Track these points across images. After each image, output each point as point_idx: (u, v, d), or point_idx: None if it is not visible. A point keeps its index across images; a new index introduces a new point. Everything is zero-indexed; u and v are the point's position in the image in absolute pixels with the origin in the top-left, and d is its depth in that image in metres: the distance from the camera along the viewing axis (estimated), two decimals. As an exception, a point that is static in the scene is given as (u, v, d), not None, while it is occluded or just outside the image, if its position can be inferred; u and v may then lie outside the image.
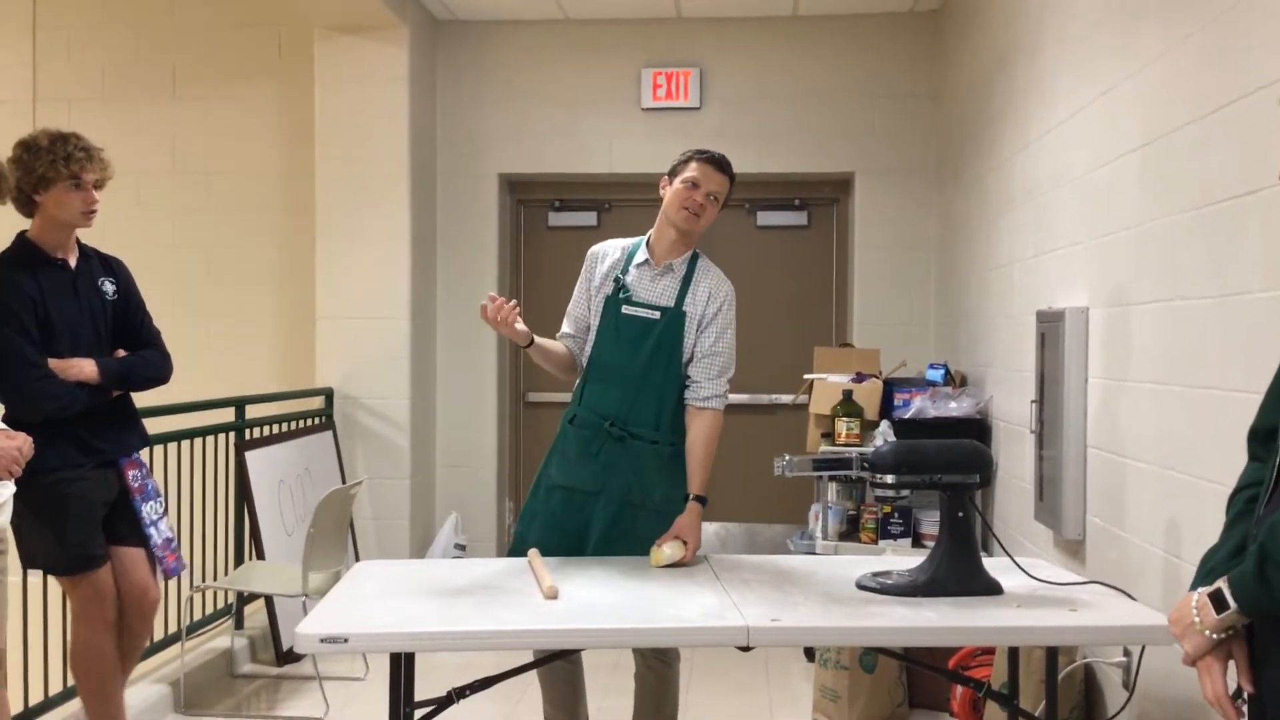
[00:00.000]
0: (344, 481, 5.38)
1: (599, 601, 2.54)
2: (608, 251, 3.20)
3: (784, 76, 5.82)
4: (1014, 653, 3.15)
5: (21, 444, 2.73)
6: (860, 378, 4.83)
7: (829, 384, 4.80)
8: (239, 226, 5.96)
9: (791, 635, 2.42)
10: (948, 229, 5.55)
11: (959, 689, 3.63)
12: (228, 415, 4.70)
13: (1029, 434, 3.81)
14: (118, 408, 3.29)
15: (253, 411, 4.86)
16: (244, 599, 4.65)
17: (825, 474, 2.77)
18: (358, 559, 5.34)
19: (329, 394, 5.48)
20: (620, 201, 6.10)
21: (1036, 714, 2.87)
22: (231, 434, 4.65)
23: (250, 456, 4.56)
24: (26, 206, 3.13)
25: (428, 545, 5.62)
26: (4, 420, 2.96)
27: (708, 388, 3.05)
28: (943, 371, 4.88)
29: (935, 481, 2.73)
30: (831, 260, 6.09)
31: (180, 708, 4.00)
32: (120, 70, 6.00)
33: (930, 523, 4.61)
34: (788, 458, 2.70)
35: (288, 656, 4.47)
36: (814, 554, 4.51)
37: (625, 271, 3.12)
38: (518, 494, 6.22)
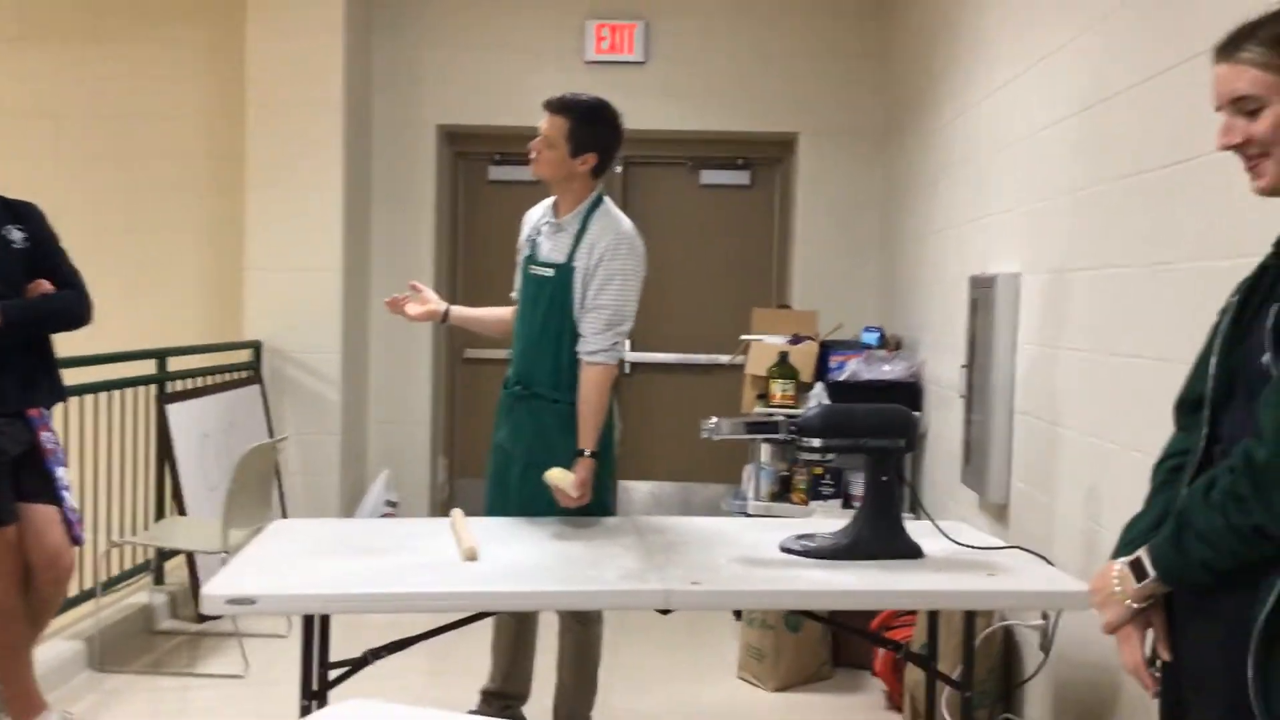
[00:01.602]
0: (271, 436, 5.27)
1: (519, 563, 2.50)
2: (533, 214, 3.21)
3: (729, 33, 5.73)
4: (933, 615, 3.18)
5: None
6: (796, 339, 4.81)
7: (765, 345, 4.77)
8: (164, 173, 5.78)
9: (710, 599, 2.40)
10: (892, 191, 5.53)
11: (881, 650, 3.66)
12: (150, 368, 4.57)
13: (958, 398, 3.82)
14: (32, 358, 3.17)
15: (177, 364, 4.73)
16: (164, 555, 4.54)
17: (753, 437, 2.73)
18: (285, 516, 5.26)
19: (257, 347, 5.35)
20: (561, 156, 5.98)
21: (954, 675, 2.89)
22: (153, 386, 4.52)
23: (172, 409, 4.44)
24: None
25: (358, 502, 5.53)
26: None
27: (593, 342, 2.96)
28: (878, 335, 4.88)
29: (861, 445, 2.72)
30: (774, 221, 6.05)
31: (95, 664, 3.91)
32: (40, 8, 5.75)
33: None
34: (715, 420, 2.66)
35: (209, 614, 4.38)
36: (746, 515, 4.51)
37: (539, 232, 3.10)
38: (452, 451, 6.15)
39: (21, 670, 3.16)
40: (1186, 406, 1.74)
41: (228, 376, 5.07)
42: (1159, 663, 1.72)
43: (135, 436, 4.46)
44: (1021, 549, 2.73)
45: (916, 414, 4.43)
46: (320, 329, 5.38)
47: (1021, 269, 3.40)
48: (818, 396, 4.58)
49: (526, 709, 3.26)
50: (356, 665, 2.61)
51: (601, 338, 2.96)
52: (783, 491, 4.76)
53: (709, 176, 6.02)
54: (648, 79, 5.73)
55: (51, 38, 5.74)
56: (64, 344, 3.42)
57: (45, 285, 3.14)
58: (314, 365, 5.40)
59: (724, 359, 5.71)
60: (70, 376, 3.98)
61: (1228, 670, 1.50)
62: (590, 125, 2.97)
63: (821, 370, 4.76)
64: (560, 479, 2.85)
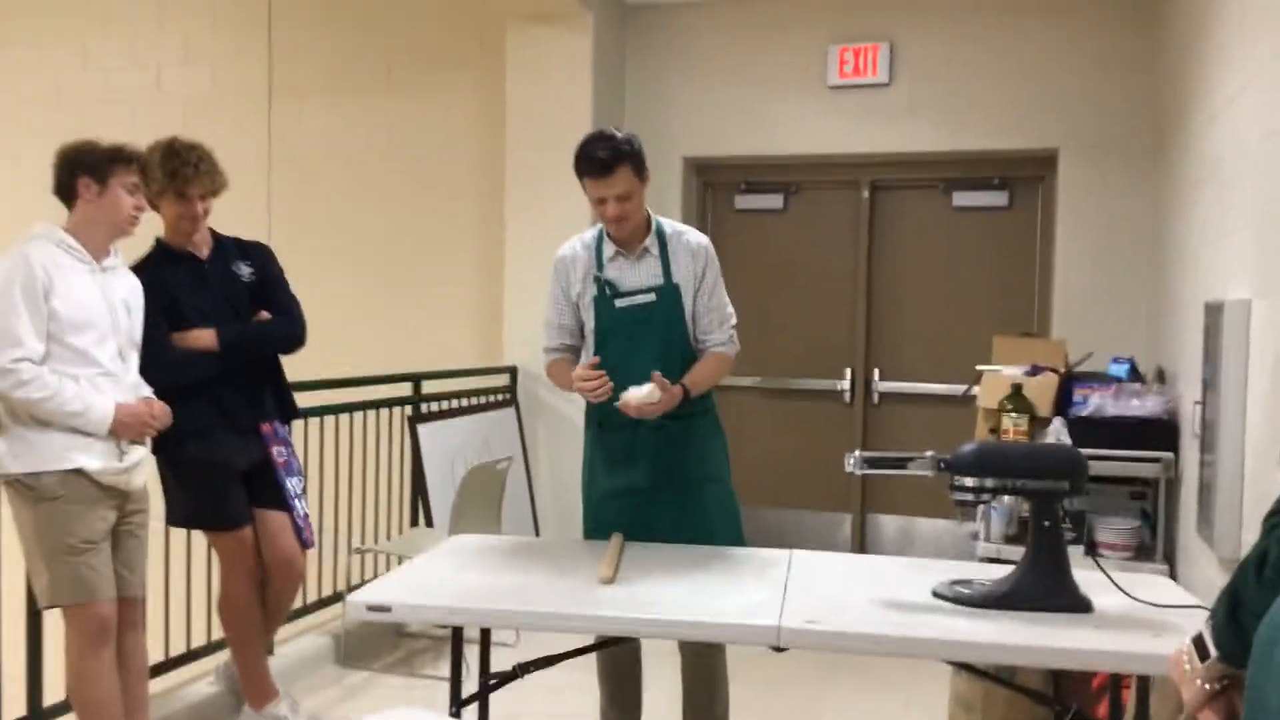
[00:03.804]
0: (525, 456, 5.60)
1: (647, 590, 2.53)
2: (574, 254, 3.10)
3: (979, 48, 5.48)
4: (1143, 680, 2.88)
5: (156, 411, 3.03)
6: (1035, 370, 4.50)
7: (999, 377, 4.51)
8: (439, 210, 6.29)
9: (824, 639, 2.31)
10: (1158, 211, 5.07)
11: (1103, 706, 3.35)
12: (407, 390, 5.00)
13: (1193, 437, 3.45)
14: (262, 375, 3.56)
15: (435, 386, 5.14)
16: (416, 563, 4.94)
17: (893, 472, 2.61)
18: (537, 532, 5.56)
19: (513, 371, 5.70)
20: (807, 183, 5.97)
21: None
22: (407, 407, 4.93)
23: (424, 429, 4.83)
24: (157, 210, 3.42)
25: (604, 522, 5.74)
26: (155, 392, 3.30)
27: (719, 335, 3.08)
28: (1127, 366, 4.47)
29: (1019, 487, 2.54)
30: (1035, 243, 5.70)
31: (340, 660, 4.32)
32: (342, 63, 6.45)
33: (1108, 530, 4.26)
34: (858, 453, 2.58)
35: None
36: (973, 557, 4.28)
37: (601, 268, 3.05)
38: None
39: (255, 660, 3.57)
40: None
41: (484, 399, 5.44)
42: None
43: (391, 453, 4.88)
44: (1206, 609, 2.43)
45: (1168, 455, 4.06)
46: (569, 356, 5.64)
47: (1251, 294, 3.03)
48: (1056, 433, 4.27)
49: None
50: (506, 678, 2.75)
51: (724, 331, 3.09)
52: (1021, 533, 4.46)
53: (962, 198, 5.76)
54: (893, 100, 5.60)
55: (352, 89, 6.41)
56: (336, 365, 3.83)
57: (264, 315, 3.54)
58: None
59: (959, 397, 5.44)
60: (338, 395, 4.48)
61: None
62: (636, 152, 2.96)
63: (1063, 404, 4.42)
64: (643, 395, 2.81)
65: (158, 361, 3.27)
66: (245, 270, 3.54)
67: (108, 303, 2.98)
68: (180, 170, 3.33)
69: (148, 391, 3.13)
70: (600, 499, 3.10)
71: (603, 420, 3.09)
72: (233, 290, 3.50)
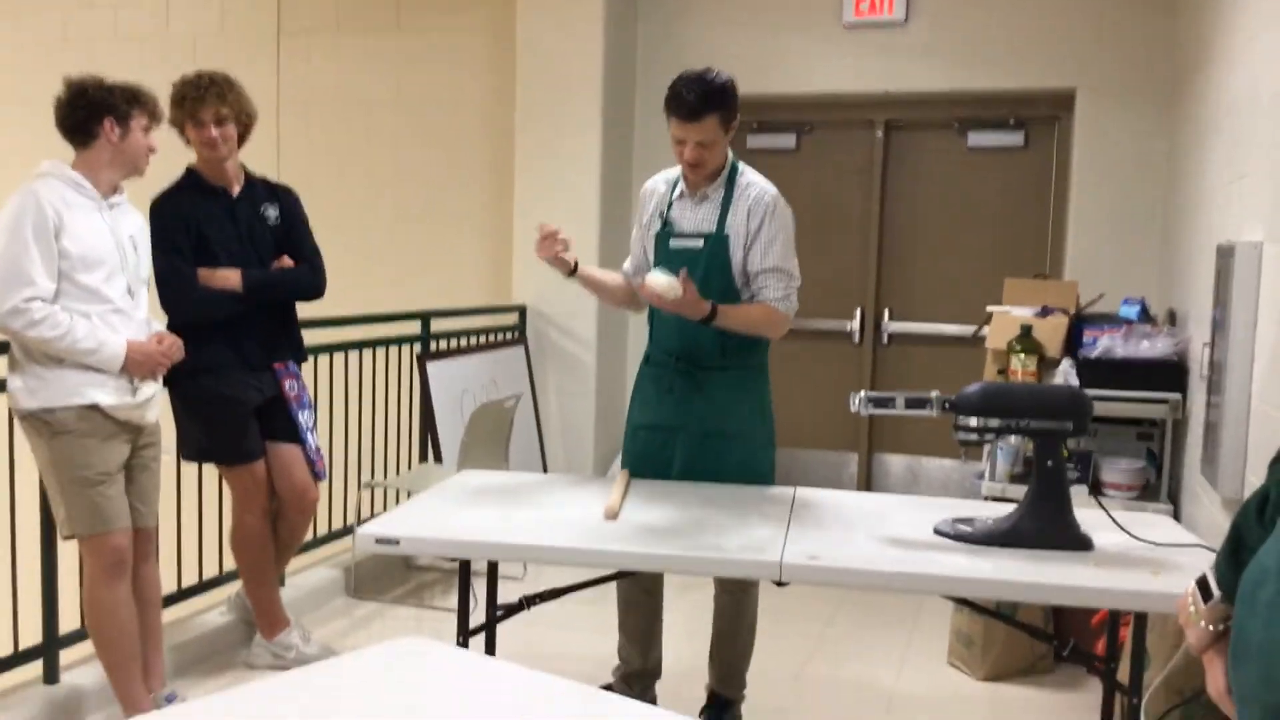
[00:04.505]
0: (534, 394, 5.63)
1: (652, 526, 2.56)
2: (655, 188, 3.14)
3: (998, -13, 5.39)
4: (1140, 616, 2.91)
5: (167, 348, 3.05)
6: (1045, 311, 4.49)
7: (1008, 317, 4.50)
8: (451, 152, 6.25)
9: (826, 575, 2.34)
10: (1174, 153, 5.01)
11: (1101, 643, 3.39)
12: (416, 328, 5.01)
13: (1200, 379, 3.44)
14: (277, 318, 3.59)
15: (444, 325, 5.15)
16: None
17: (898, 412, 2.62)
18: (545, 469, 5.61)
19: (522, 310, 5.71)
20: (821, 123, 5.91)
21: (1157, 680, 2.65)
22: (417, 345, 4.95)
23: (433, 367, 4.85)
24: (186, 141, 3.47)
25: (612, 459, 5.79)
26: (168, 325, 3.33)
27: (772, 291, 2.96)
28: (1139, 307, 4.45)
29: (1023, 427, 2.55)
30: (1049, 184, 5.65)
31: (351, 592, 4.39)
32: (352, 2, 6.37)
33: (1114, 470, 4.27)
34: (863, 393, 2.58)
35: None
36: (978, 496, 4.30)
37: (670, 205, 3.06)
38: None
39: (268, 591, 3.63)
40: None
41: (493, 337, 5.46)
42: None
43: (400, 391, 4.91)
44: (1207, 548, 2.46)
45: (1175, 396, 4.06)
46: (578, 295, 5.63)
47: (1264, 237, 3.01)
48: (1064, 373, 4.27)
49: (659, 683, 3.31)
50: (512, 610, 2.80)
51: (784, 291, 2.96)
52: (1026, 473, 4.48)
53: (978, 138, 5.70)
54: (910, 39, 5.52)
55: (360, 29, 6.36)
56: (347, 303, 3.87)
57: (287, 261, 3.55)
58: (572, 329, 5.69)
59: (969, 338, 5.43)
60: (346, 333, 4.50)
61: None
62: (728, 101, 2.90)
63: (1072, 346, 4.42)
64: (665, 284, 2.76)
65: (181, 296, 3.31)
66: (272, 213, 3.55)
67: (116, 240, 2.99)
68: (188, 94, 3.37)
69: (159, 326, 3.15)
70: (632, 431, 3.13)
71: (649, 355, 3.13)
72: (258, 231, 3.52)
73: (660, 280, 2.77)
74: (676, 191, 3.07)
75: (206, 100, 3.36)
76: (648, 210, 3.14)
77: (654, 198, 3.13)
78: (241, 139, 3.49)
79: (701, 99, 2.83)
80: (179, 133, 3.45)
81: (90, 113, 2.97)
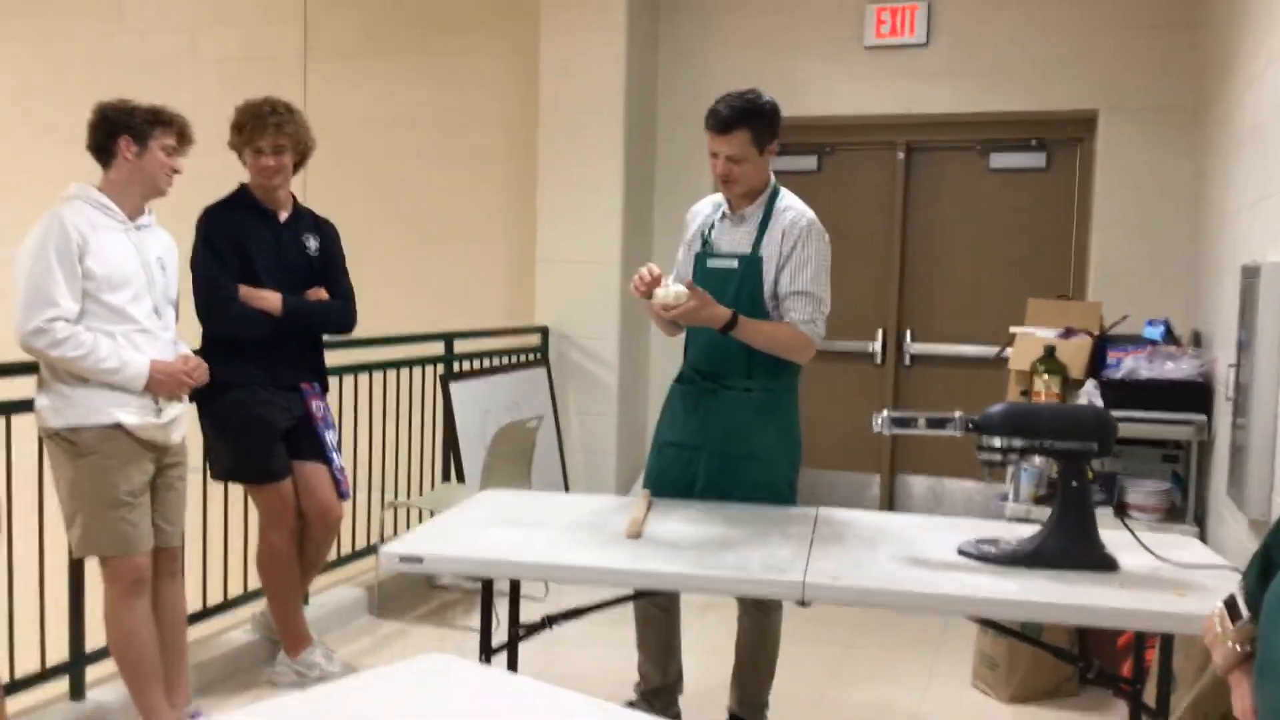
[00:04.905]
0: (555, 415, 5.64)
1: (674, 544, 2.56)
2: (700, 209, 3.21)
3: (1019, 6, 5.40)
4: (1166, 639, 2.89)
5: (191, 368, 3.09)
6: (1069, 333, 4.47)
7: (1032, 338, 4.48)
8: (474, 172, 6.30)
9: (849, 595, 2.33)
10: (1199, 172, 5.00)
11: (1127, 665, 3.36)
12: (440, 349, 5.04)
13: (1226, 400, 3.42)
14: (306, 342, 3.65)
15: (467, 346, 5.18)
16: (448, 519, 5.00)
17: (920, 432, 2.61)
18: (567, 488, 5.62)
19: (544, 331, 5.74)
20: (842, 145, 5.92)
21: (1184, 703, 2.62)
22: (440, 366, 4.98)
23: (456, 387, 4.88)
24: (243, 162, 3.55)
25: (634, 479, 5.79)
26: (202, 341, 3.37)
27: (798, 315, 2.96)
28: (1163, 328, 4.43)
29: (1048, 448, 2.55)
30: (1072, 205, 5.63)
31: (374, 611, 4.40)
32: (380, 26, 6.45)
33: (1139, 492, 4.24)
34: (886, 413, 2.59)
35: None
36: (1002, 518, 4.28)
37: (712, 226, 3.11)
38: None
39: (292, 609, 3.64)
40: None
41: (515, 359, 5.48)
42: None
43: (424, 411, 4.93)
44: (1235, 570, 2.44)
45: (1200, 417, 4.03)
46: (600, 317, 5.68)
47: (1289, 256, 3.00)
48: (1088, 395, 4.25)
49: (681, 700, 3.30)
50: (534, 628, 2.80)
51: (810, 315, 2.96)
52: (1050, 494, 4.45)
53: (1000, 160, 5.70)
54: (931, 60, 5.54)
55: (385, 51, 6.43)
56: (374, 324, 3.97)
57: (322, 293, 3.61)
58: (594, 350, 5.71)
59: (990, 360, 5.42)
60: (372, 354, 4.53)
61: None
62: (763, 120, 2.95)
63: (1096, 367, 4.40)
64: (667, 296, 2.80)
65: (221, 308, 3.38)
66: (313, 244, 3.63)
67: (142, 260, 3.03)
68: (248, 122, 3.45)
69: (185, 348, 3.18)
70: (658, 447, 3.16)
71: (681, 373, 3.15)
72: (298, 260, 3.59)
73: (667, 292, 2.81)
74: (719, 213, 3.11)
75: (266, 129, 3.44)
76: (690, 230, 3.19)
77: (698, 217, 3.19)
78: (297, 166, 3.61)
79: (733, 113, 2.89)
80: (237, 155, 3.54)
81: (109, 133, 3.02)
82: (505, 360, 5.41)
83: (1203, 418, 4.03)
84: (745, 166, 2.95)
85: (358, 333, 4.13)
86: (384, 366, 4.67)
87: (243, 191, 3.59)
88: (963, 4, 5.49)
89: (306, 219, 3.69)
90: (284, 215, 3.61)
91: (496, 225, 6.26)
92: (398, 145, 6.43)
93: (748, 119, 2.90)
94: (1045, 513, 4.33)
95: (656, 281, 2.86)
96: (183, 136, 3.11)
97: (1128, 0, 5.24)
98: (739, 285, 2.99)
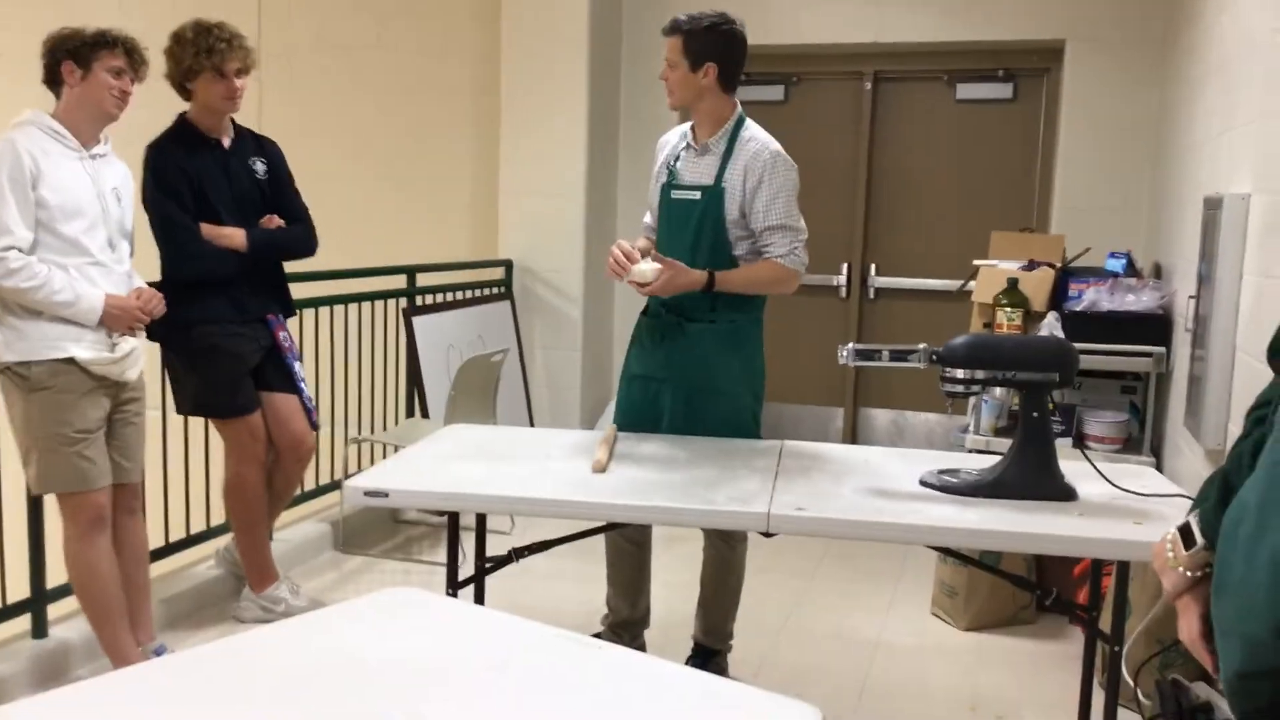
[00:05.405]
0: (520, 349, 5.62)
1: (640, 479, 2.57)
2: (669, 138, 3.18)
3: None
4: (1123, 566, 2.94)
5: (144, 302, 3.02)
6: (1031, 265, 4.50)
7: (995, 271, 4.50)
8: (435, 105, 6.18)
9: (812, 525, 2.35)
10: (1166, 104, 5.00)
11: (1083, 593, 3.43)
12: (402, 282, 4.98)
13: (1185, 332, 3.46)
14: (266, 277, 3.58)
15: (430, 279, 5.12)
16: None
17: (884, 364, 2.62)
18: (532, 423, 5.61)
19: (509, 265, 5.68)
20: (809, 74, 5.86)
21: (1138, 628, 2.67)
22: (403, 299, 4.93)
23: (419, 321, 4.83)
24: (182, 91, 3.42)
25: (599, 413, 5.80)
26: (162, 278, 3.31)
27: (777, 248, 2.96)
28: (1124, 261, 4.46)
29: (1009, 379, 2.56)
30: (1038, 137, 5.62)
31: (339, 546, 4.40)
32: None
33: (1098, 423, 4.30)
34: (851, 346, 2.59)
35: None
36: (962, 449, 4.33)
37: (678, 157, 3.08)
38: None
39: (259, 543, 3.63)
40: (1276, 350, 1.52)
41: (479, 292, 5.43)
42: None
43: (387, 346, 4.89)
44: (1188, 497, 2.48)
45: (1159, 349, 4.08)
46: (564, 250, 5.63)
47: (1252, 189, 3.01)
48: (1049, 327, 4.28)
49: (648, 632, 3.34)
50: (501, 562, 2.81)
51: (789, 247, 2.96)
52: (1010, 426, 4.51)
53: (966, 91, 5.67)
54: (897, -9, 5.47)
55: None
56: (336, 257, 3.90)
57: (277, 220, 3.53)
58: (558, 284, 5.67)
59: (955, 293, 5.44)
60: (333, 287, 4.46)
61: None
62: (701, 35, 2.92)
63: (1058, 299, 4.43)
64: (641, 273, 2.85)
65: (186, 252, 3.31)
66: (260, 167, 3.54)
67: (97, 190, 2.95)
68: (215, 45, 3.32)
69: (140, 281, 3.12)
70: (626, 380, 3.16)
71: (648, 305, 3.15)
72: (250, 186, 3.50)
73: (642, 272, 2.85)
74: (684, 143, 3.08)
75: (235, 52, 3.33)
76: (658, 161, 3.17)
77: (665, 148, 3.17)
78: None
79: (673, 22, 2.96)
80: (178, 83, 3.38)
81: (54, 58, 2.93)
82: (469, 294, 5.36)
83: (1161, 350, 4.08)
84: (675, 75, 2.97)
85: (319, 265, 4.08)
86: (346, 300, 4.61)
87: (185, 123, 3.45)
88: (931, -68, 5.41)
89: (249, 142, 3.57)
90: (227, 142, 3.50)
91: (460, 158, 6.16)
92: (355, 76, 6.28)
93: (678, 29, 2.94)
94: (1005, 444, 4.40)
95: (631, 260, 2.88)
96: (132, 56, 2.99)
97: (1097, -72, 5.19)
98: (701, 215, 2.98)
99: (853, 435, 5.95)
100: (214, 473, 3.75)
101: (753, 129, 3.01)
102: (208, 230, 3.38)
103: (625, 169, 5.95)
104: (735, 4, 5.58)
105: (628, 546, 3.18)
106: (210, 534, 3.94)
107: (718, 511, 2.39)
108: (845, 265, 5.85)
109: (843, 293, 5.88)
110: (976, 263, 4.70)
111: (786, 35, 5.67)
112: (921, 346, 2.59)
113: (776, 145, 2.98)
